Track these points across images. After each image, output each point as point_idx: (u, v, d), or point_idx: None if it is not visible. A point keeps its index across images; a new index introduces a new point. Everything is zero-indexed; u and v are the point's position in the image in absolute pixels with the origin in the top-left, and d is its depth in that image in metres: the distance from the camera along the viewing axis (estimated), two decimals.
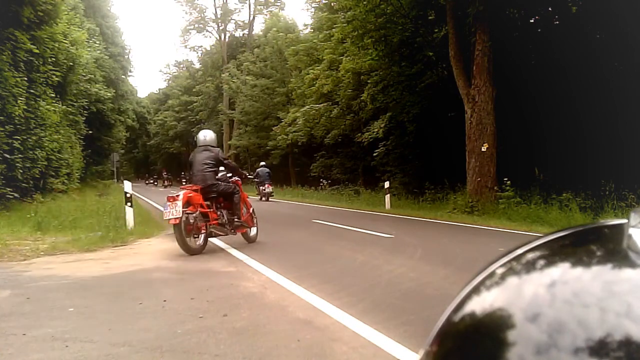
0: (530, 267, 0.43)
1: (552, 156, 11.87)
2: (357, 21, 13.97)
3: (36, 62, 12.33)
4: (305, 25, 31.76)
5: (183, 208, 5.84)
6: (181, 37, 52.20)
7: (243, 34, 43.02)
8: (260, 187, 19.27)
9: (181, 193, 5.99)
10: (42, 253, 6.24)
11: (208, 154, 6.57)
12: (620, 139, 10.13)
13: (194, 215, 6.05)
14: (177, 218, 5.79)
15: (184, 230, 5.90)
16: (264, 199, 18.80)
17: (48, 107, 13.19)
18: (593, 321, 0.31)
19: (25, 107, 11.13)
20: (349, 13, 14.44)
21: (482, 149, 11.38)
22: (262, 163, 20.55)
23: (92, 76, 21.84)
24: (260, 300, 3.95)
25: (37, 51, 11.95)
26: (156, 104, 55.84)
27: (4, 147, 10.10)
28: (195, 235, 6.16)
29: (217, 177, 6.61)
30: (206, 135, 6.84)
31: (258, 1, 40.53)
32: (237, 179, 7.15)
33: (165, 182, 40.28)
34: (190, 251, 6.02)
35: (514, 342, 0.33)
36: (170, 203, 5.87)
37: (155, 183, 42.62)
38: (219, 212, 6.55)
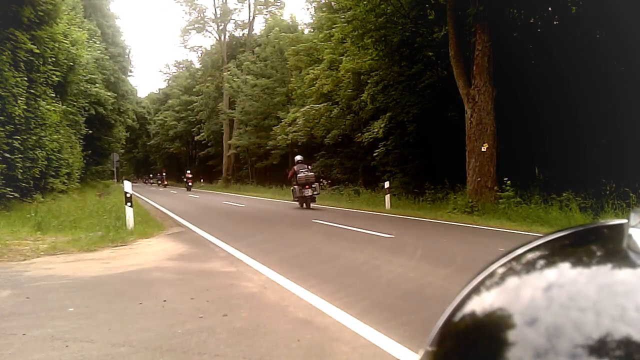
0: (530, 267, 0.43)
1: (552, 156, 11.86)
2: (357, 21, 13.97)
3: (36, 62, 12.32)
4: (305, 25, 31.69)
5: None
6: (181, 37, 52.25)
7: (243, 34, 43.02)
8: (304, 190, 13.85)
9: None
10: (42, 253, 6.23)
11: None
12: (620, 138, 10.12)
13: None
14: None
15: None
16: (304, 205, 14.00)
17: (48, 107, 13.19)
18: (591, 324, 0.31)
19: (25, 107, 11.13)
20: (349, 13, 14.44)
21: (482, 149, 11.38)
22: (299, 157, 15.01)
23: (93, 76, 21.84)
24: (260, 300, 3.95)
25: (37, 51, 11.94)
26: (156, 104, 55.87)
27: (4, 147, 10.10)
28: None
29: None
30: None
31: (258, 1, 40.52)
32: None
33: (165, 181, 40.52)
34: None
35: (513, 344, 0.33)
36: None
37: (158, 182, 43.13)
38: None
